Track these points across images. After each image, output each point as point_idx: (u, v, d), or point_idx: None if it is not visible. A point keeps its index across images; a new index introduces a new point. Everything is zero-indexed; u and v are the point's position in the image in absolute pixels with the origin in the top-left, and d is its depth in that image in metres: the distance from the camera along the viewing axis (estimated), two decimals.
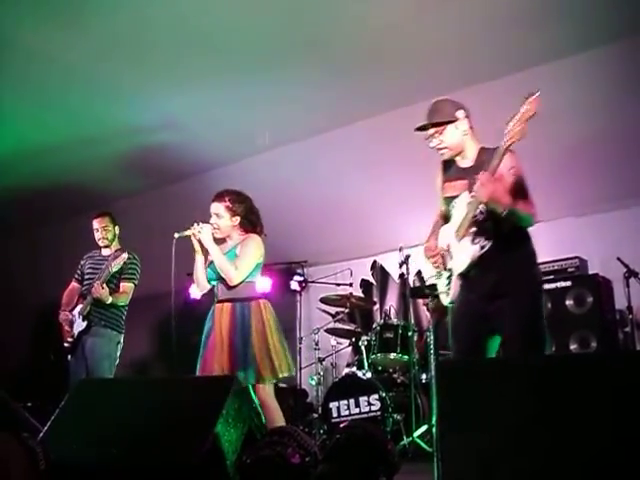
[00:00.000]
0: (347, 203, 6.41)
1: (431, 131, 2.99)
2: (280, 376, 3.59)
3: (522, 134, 2.66)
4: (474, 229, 2.87)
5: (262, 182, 6.55)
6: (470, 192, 2.85)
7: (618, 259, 4.87)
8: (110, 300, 4.37)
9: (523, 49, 4.71)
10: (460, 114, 2.96)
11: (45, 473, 1.61)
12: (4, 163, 6.30)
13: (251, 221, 3.78)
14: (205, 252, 3.72)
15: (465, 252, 2.90)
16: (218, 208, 3.73)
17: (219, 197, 3.75)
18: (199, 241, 3.66)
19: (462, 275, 2.94)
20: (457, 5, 4.30)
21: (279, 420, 3.52)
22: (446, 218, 3.07)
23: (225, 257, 3.65)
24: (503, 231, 2.83)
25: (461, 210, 2.92)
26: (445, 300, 3.04)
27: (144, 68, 5.00)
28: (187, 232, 3.64)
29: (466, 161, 3.01)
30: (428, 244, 3.13)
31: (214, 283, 3.75)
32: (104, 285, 4.34)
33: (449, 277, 3.01)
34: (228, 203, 3.72)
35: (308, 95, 5.38)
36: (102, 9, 4.27)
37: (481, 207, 2.83)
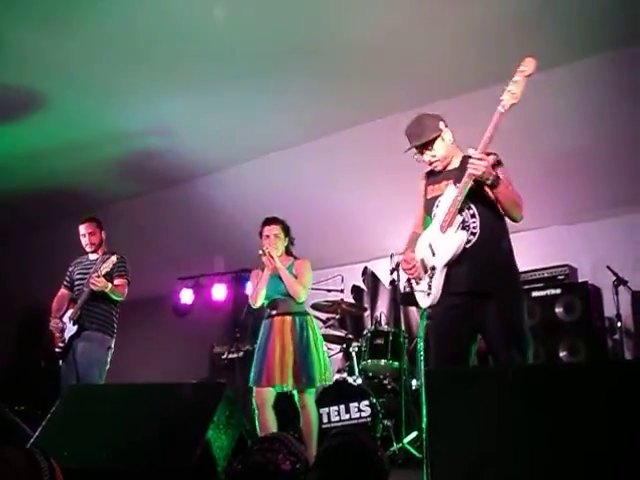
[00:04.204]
0: (338, 209, 6.42)
1: (426, 157, 3.07)
2: (326, 382, 4.10)
3: (519, 96, 2.81)
4: (461, 218, 2.92)
5: (253, 188, 6.55)
6: (456, 185, 2.91)
7: (608, 267, 4.91)
8: (109, 287, 4.27)
9: (516, 57, 4.73)
10: (442, 125, 3.05)
11: None
12: None
13: (292, 243, 4.19)
14: None
15: (451, 241, 2.91)
16: (277, 229, 4.09)
17: (273, 221, 4.11)
18: (269, 260, 3.97)
19: (446, 270, 2.93)
20: (452, 15, 4.33)
21: (316, 422, 4.01)
22: (424, 226, 3.14)
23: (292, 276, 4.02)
24: (489, 222, 2.90)
25: (447, 202, 2.95)
26: (425, 303, 3.02)
27: (137, 73, 5.00)
28: (267, 250, 3.97)
29: (451, 166, 3.08)
30: (405, 256, 3.13)
31: (265, 301, 4.07)
32: (100, 276, 4.23)
33: (431, 277, 2.99)
34: (282, 225, 4.11)
35: (298, 102, 5.39)
36: (96, 13, 4.27)
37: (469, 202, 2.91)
